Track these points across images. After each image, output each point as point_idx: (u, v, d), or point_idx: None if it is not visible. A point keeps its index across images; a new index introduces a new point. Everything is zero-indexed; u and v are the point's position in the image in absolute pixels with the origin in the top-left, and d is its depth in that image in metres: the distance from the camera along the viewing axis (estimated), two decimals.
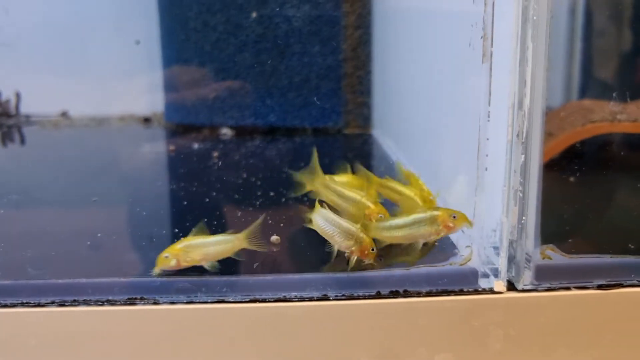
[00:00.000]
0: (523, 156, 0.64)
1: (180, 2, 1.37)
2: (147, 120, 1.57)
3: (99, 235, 0.78)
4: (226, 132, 1.40)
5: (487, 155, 0.65)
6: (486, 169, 0.66)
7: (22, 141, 1.48)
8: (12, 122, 1.56)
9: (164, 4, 1.43)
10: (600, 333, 0.66)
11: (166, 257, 0.65)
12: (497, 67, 0.63)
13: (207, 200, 0.93)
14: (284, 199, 0.90)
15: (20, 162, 1.30)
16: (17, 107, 1.57)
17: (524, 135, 0.63)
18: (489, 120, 0.64)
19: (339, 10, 1.35)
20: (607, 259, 0.68)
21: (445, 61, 0.83)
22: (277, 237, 0.74)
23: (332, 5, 1.34)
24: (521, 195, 0.65)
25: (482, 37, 0.64)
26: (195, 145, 1.30)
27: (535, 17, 0.61)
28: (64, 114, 1.59)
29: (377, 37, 1.36)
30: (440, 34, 0.86)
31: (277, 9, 1.33)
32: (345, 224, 0.66)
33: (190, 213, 0.89)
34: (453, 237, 0.75)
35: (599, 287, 0.67)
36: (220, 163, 1.17)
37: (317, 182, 0.75)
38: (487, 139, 0.65)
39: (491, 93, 0.64)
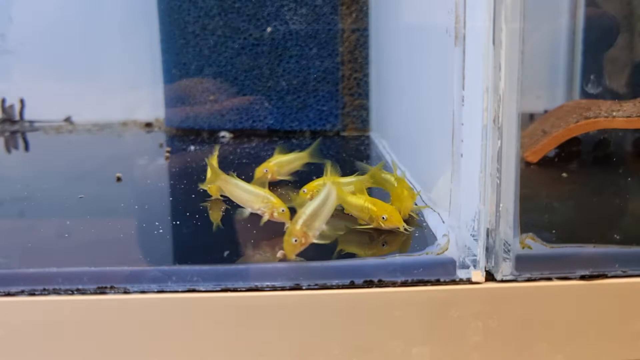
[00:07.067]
0: (499, 141, 0.62)
1: (178, 7, 1.38)
2: (148, 125, 1.57)
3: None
4: (224, 135, 1.39)
5: (462, 141, 0.64)
6: (461, 155, 0.64)
7: (26, 147, 1.49)
8: (16, 127, 1.57)
9: (163, 8, 1.44)
10: (582, 325, 0.64)
11: None
12: (470, 50, 0.62)
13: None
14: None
15: (24, 168, 1.30)
16: (21, 113, 1.58)
17: (500, 120, 0.62)
18: (463, 105, 0.63)
19: (336, 13, 1.35)
20: (590, 249, 0.66)
21: (426, 53, 0.82)
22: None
23: (329, 8, 1.34)
24: (498, 181, 0.63)
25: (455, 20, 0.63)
26: (192, 148, 1.30)
27: None
28: (68, 120, 1.60)
29: (374, 39, 1.35)
30: (423, 28, 0.84)
31: (275, 13, 1.33)
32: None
33: (183, 208, 0.88)
34: (432, 225, 0.73)
35: (582, 277, 0.64)
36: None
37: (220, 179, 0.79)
38: (462, 124, 0.63)
39: (465, 77, 0.62)
